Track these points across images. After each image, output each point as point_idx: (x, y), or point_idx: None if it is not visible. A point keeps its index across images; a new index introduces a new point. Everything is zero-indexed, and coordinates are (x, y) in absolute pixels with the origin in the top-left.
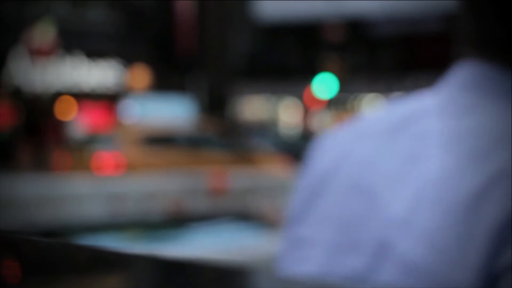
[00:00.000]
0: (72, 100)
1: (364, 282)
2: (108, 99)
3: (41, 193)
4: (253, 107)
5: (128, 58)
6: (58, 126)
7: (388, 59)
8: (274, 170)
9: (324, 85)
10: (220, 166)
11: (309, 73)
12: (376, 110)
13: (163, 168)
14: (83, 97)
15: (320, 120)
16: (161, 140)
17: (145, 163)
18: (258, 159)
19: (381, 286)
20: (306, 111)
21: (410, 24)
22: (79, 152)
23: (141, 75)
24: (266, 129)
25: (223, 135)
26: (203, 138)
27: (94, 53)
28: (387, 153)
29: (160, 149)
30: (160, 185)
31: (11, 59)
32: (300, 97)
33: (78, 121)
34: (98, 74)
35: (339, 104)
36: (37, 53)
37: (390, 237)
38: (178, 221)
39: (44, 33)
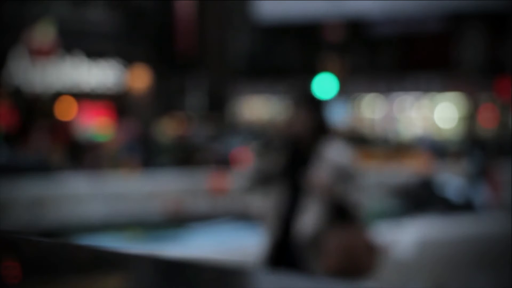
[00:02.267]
0: (72, 100)
1: (364, 282)
2: (108, 99)
3: (41, 193)
4: (253, 107)
5: (128, 58)
6: (61, 126)
7: (388, 59)
8: (421, 166)
9: (324, 85)
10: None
11: (309, 73)
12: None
13: (366, 163)
14: (83, 97)
15: None
16: (357, 139)
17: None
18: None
19: (380, 286)
20: None
21: (410, 24)
22: None
23: (141, 75)
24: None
25: None
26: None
27: (94, 53)
28: None
29: (357, 148)
30: (160, 185)
31: (11, 59)
32: None
33: (79, 121)
34: (98, 74)
35: None
36: (37, 53)
37: None
38: (178, 221)
39: (44, 33)
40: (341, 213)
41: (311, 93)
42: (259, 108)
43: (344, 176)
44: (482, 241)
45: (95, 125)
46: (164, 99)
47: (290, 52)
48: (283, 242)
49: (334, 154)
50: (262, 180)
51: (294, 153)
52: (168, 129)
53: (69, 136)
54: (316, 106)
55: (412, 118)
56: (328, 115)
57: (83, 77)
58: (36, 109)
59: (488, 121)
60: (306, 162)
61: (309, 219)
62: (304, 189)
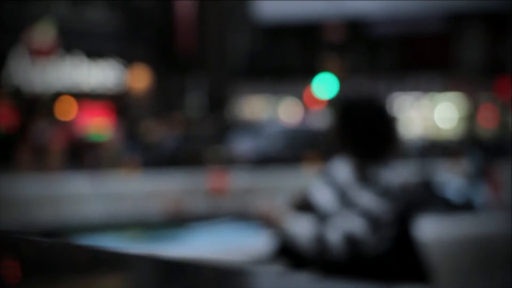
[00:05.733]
0: (72, 100)
1: (363, 282)
2: (108, 99)
3: (41, 193)
4: (253, 107)
5: (128, 58)
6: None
7: (388, 59)
8: None
9: (324, 85)
10: None
11: (309, 73)
12: None
13: None
14: (83, 97)
15: (320, 120)
16: None
17: None
18: None
19: (378, 286)
20: (306, 111)
21: (410, 24)
22: None
23: (141, 75)
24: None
25: None
26: None
27: (94, 53)
28: None
29: None
30: (160, 185)
31: (11, 59)
32: (300, 97)
33: (78, 121)
34: (98, 74)
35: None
36: (37, 53)
37: None
38: (178, 221)
39: (44, 33)
40: None
41: None
42: (259, 108)
43: None
44: (482, 241)
45: (95, 125)
46: (164, 99)
47: (290, 52)
48: None
49: None
50: None
51: None
52: (169, 128)
53: (69, 136)
54: None
55: (412, 118)
56: None
57: (83, 77)
58: (36, 109)
59: (488, 121)
60: None
61: None
62: None
